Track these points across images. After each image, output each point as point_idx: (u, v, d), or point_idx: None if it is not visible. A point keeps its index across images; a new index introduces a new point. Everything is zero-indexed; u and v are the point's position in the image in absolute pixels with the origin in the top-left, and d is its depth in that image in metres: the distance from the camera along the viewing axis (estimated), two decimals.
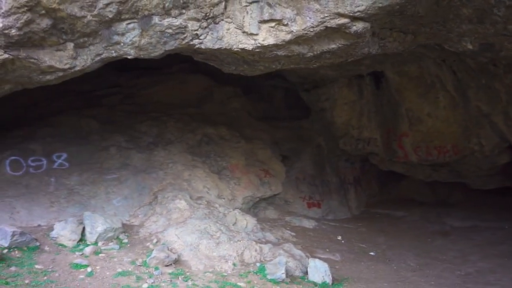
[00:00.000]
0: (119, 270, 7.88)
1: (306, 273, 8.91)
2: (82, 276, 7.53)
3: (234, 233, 9.70)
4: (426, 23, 7.79)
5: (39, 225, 9.52)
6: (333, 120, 14.05)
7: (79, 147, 11.77)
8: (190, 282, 7.78)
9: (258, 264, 8.92)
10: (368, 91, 13.20)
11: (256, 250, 9.32)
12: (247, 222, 10.66)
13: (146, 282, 7.53)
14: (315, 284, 8.57)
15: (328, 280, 8.67)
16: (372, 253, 11.01)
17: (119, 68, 15.31)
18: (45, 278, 7.31)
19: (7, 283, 6.86)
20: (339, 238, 11.79)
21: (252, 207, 12.56)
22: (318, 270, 8.78)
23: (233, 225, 10.39)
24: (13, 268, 7.46)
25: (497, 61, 9.44)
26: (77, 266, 7.85)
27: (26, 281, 7.05)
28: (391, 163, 13.70)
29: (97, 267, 7.90)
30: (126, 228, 9.63)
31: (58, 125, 12.40)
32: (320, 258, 10.16)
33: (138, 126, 12.84)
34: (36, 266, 7.69)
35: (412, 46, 8.79)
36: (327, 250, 10.81)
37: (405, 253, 11.10)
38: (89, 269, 7.77)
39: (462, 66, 10.62)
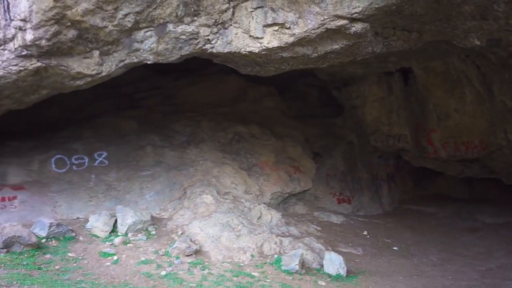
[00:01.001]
0: (142, 258, 8.56)
1: (323, 265, 9.24)
2: (108, 264, 8.27)
3: (256, 227, 10.16)
4: (428, 21, 7.93)
5: (77, 218, 10.37)
6: (363, 117, 14.21)
7: (118, 146, 12.64)
8: (206, 271, 8.34)
9: (276, 256, 9.34)
10: (397, 88, 13.26)
11: (275, 243, 9.74)
12: (272, 216, 11.08)
13: (165, 270, 8.16)
14: (329, 275, 8.89)
15: (343, 272, 8.95)
16: (395, 248, 11.16)
17: (161, 71, 16.21)
18: (75, 264, 8.10)
19: (39, 269, 7.68)
20: (365, 233, 11.98)
21: (282, 203, 12.96)
22: (333, 262, 9.09)
23: (257, 219, 10.83)
24: (47, 256, 8.29)
25: None
26: (105, 255, 8.60)
27: (57, 267, 7.86)
28: (422, 159, 13.68)
29: (123, 256, 8.62)
30: (155, 221, 10.31)
31: (100, 126, 13.33)
32: (341, 252, 10.49)
33: (173, 126, 13.57)
34: (69, 254, 8.50)
35: (418, 44, 8.90)
36: (350, 244, 11.05)
37: (429, 248, 11.16)
38: (115, 257, 8.50)
39: (485, 61, 10.56)
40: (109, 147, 12.56)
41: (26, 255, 8.13)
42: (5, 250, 8.09)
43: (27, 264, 7.77)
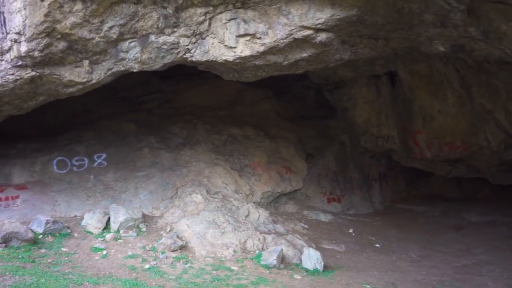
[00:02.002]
0: (130, 253, 9.18)
1: (302, 261, 9.76)
2: (97, 258, 8.90)
3: (241, 224, 10.71)
4: (393, 30, 8.40)
5: (75, 216, 11.04)
6: (354, 118, 14.69)
7: (117, 148, 13.32)
8: (188, 265, 8.93)
9: (257, 252, 9.89)
10: (385, 90, 13.73)
11: (259, 240, 10.29)
12: (259, 214, 11.62)
13: (149, 264, 8.76)
14: (306, 270, 9.41)
15: (320, 267, 9.47)
16: (377, 245, 11.61)
17: (163, 75, 16.86)
18: (66, 258, 8.74)
19: (33, 262, 8.33)
20: (351, 231, 12.46)
21: (273, 202, 13.50)
22: (311, 258, 9.61)
23: (245, 217, 11.39)
24: (42, 250, 8.96)
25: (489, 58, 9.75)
26: (96, 250, 9.24)
27: (49, 260, 8.51)
28: (410, 159, 14.11)
29: (112, 251, 9.25)
30: (147, 219, 10.94)
31: (101, 129, 14.04)
32: (324, 249, 11.04)
33: (170, 128, 14.21)
34: (62, 249, 9.16)
35: (386, 51, 9.38)
36: (334, 241, 11.54)
37: (411, 245, 11.59)
38: (104, 252, 9.14)
39: (463, 64, 10.98)
40: (109, 149, 13.24)
41: (22, 249, 8.81)
42: (3, 244, 8.77)
43: (22, 257, 8.44)
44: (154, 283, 7.85)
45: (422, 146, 13.12)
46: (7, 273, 7.41)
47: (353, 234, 12.29)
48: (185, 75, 16.86)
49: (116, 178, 12.43)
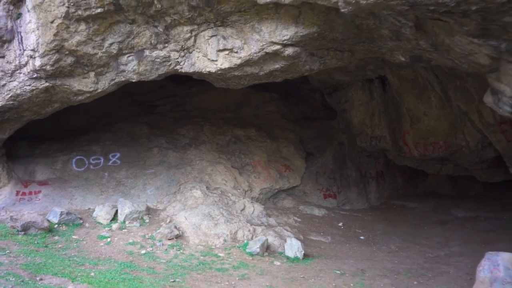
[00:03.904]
0: (130, 240, 10.47)
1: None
2: (102, 244, 10.23)
3: (234, 217, 11.85)
4: (355, 43, 9.35)
5: (89, 208, 12.42)
6: (351, 119, 15.60)
7: (130, 148, 14.68)
8: (180, 251, 10.15)
9: (245, 241, 11.02)
10: (377, 93, 14.60)
11: (249, 231, 11.42)
12: (254, 209, 12.75)
13: (146, 250, 10.03)
14: (287, 258, 10.49)
15: (300, 255, 10.53)
16: (362, 237, 12.54)
17: (177, 80, 18.15)
18: (75, 244, 10.10)
19: (46, 246, 9.71)
20: (340, 224, 13.42)
21: (272, 197, 14.59)
22: (293, 247, 10.68)
23: (241, 211, 12.53)
24: (56, 237, 10.35)
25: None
26: (102, 237, 10.57)
27: (60, 246, 9.88)
28: (401, 158, 14.93)
29: (116, 238, 10.56)
30: (151, 211, 12.22)
31: (117, 131, 15.46)
32: (311, 240, 12.09)
33: (179, 130, 15.48)
34: (73, 236, 10.53)
35: (352, 61, 10.34)
36: (322, 233, 12.54)
37: (393, 238, 12.47)
38: (109, 239, 10.46)
39: (440, 70, 11.77)
40: (122, 149, 14.62)
41: (39, 236, 10.20)
42: (22, 232, 10.19)
43: (37, 243, 9.83)
44: (145, 265, 9.11)
45: (410, 146, 13.94)
46: (21, 255, 8.78)
47: (342, 227, 13.24)
48: (197, 80, 18.09)
49: (127, 175, 13.78)
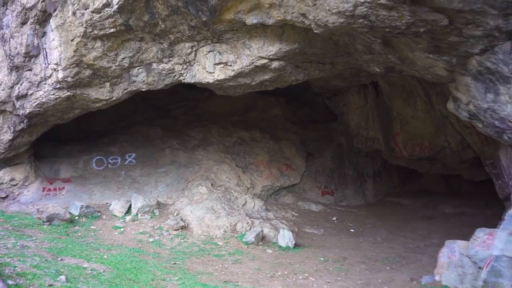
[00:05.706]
0: (141, 230, 11.89)
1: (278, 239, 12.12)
2: (116, 233, 11.68)
3: (235, 211, 13.17)
4: (334, 57, 10.58)
5: (106, 203, 13.88)
6: (348, 122, 16.78)
7: (145, 149, 16.14)
8: (184, 240, 11.52)
9: (243, 232, 12.34)
10: (371, 98, 15.75)
11: (247, 223, 12.73)
12: (255, 204, 14.05)
13: (154, 238, 11.43)
14: (279, 247, 11.75)
15: (291, 244, 11.77)
16: (352, 230, 13.72)
17: (191, 85, 19.53)
18: (92, 233, 11.57)
19: (67, 235, 11.20)
20: (334, 219, 14.62)
21: (273, 194, 15.86)
22: (285, 237, 11.94)
23: (242, 206, 13.84)
24: (76, 227, 11.84)
25: None
26: (116, 228, 12.02)
27: (79, 234, 11.36)
28: (394, 158, 16.04)
29: (128, 229, 12.00)
30: (161, 206, 13.62)
31: (133, 133, 16.93)
32: (305, 232, 13.31)
33: (189, 132, 16.89)
34: (91, 227, 12.00)
35: (333, 72, 11.57)
36: (315, 226, 13.77)
37: (381, 231, 13.60)
38: (122, 229, 11.90)
39: (421, 77, 12.87)
40: (138, 150, 16.08)
41: (61, 226, 11.70)
42: (47, 223, 11.71)
43: (60, 232, 11.33)
44: (152, 251, 10.52)
45: (400, 147, 15.06)
46: (46, 241, 10.26)
47: (335, 221, 14.44)
48: None
49: (141, 173, 15.24)
